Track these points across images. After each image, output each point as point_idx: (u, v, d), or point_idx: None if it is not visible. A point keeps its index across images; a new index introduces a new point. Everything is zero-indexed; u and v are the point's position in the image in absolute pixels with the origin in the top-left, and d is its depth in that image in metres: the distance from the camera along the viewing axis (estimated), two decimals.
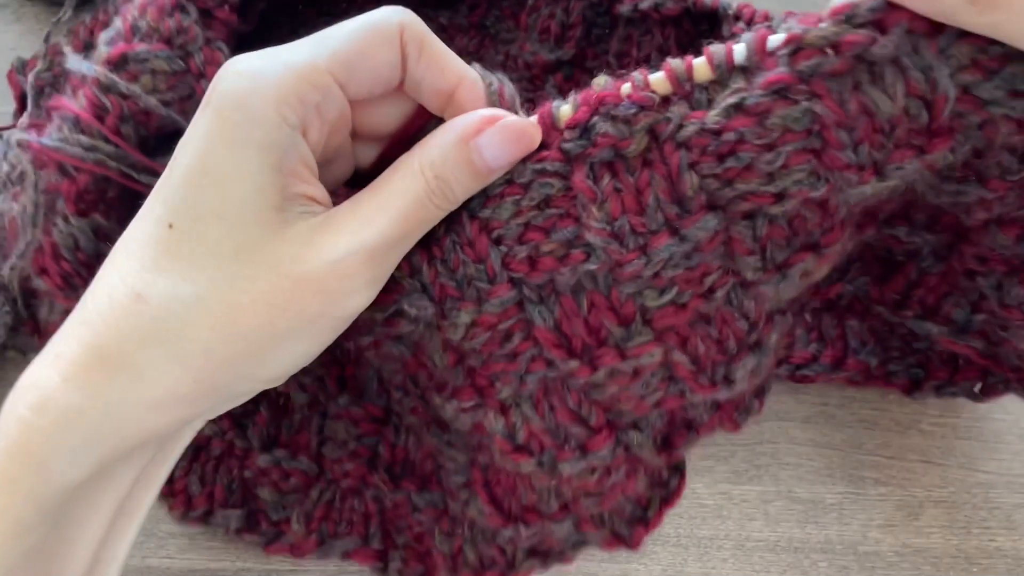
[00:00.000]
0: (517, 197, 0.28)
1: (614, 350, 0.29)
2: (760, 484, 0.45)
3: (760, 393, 0.34)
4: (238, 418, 0.39)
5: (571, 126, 0.28)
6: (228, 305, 0.26)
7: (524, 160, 0.28)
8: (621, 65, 0.48)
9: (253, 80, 0.26)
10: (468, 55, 0.49)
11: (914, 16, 0.25)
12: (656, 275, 0.28)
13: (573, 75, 0.49)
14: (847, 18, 0.25)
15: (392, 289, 0.30)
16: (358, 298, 0.28)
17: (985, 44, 0.25)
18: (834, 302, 0.44)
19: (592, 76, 0.49)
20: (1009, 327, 0.35)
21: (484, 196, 0.29)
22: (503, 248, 0.29)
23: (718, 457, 0.45)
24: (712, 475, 0.45)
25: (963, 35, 0.25)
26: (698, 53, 0.28)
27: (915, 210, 0.35)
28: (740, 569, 0.43)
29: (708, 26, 0.45)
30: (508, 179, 0.28)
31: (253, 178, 0.26)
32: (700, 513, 0.44)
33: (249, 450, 0.39)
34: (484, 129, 0.27)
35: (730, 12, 0.43)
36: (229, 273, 0.26)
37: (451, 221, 0.29)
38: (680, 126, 0.27)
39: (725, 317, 0.29)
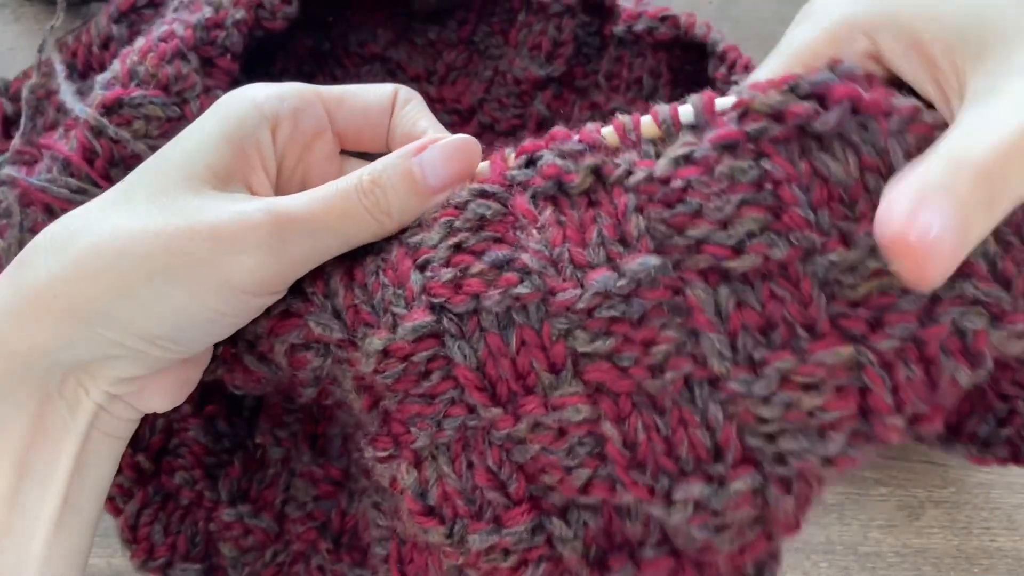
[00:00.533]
0: (450, 219, 0.28)
1: (539, 397, 0.27)
2: None
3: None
4: (211, 468, 0.38)
5: (519, 155, 0.28)
6: (117, 227, 0.27)
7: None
8: (611, 86, 0.49)
9: (254, 87, 0.30)
10: (456, 70, 0.50)
11: (861, 96, 0.25)
12: (590, 314, 0.26)
13: (562, 93, 0.49)
14: (791, 88, 0.26)
15: (298, 311, 0.29)
16: (249, 260, 0.26)
17: (933, 133, 0.25)
18: None
19: (580, 94, 0.49)
20: None
21: (418, 226, 0.28)
22: (428, 274, 0.28)
23: None
24: None
25: (914, 121, 0.25)
26: (686, 83, 0.28)
27: None
28: None
29: (698, 55, 0.45)
30: (444, 204, 0.28)
31: (203, 138, 0.28)
32: None
33: (217, 503, 0.38)
34: (427, 147, 0.28)
35: (717, 50, 0.43)
36: (136, 206, 0.27)
37: (380, 249, 0.29)
38: (629, 172, 0.27)
39: (684, 416, 0.26)
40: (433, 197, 0.28)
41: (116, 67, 0.35)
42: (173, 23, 0.36)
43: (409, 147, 0.29)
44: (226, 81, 0.37)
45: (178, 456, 0.38)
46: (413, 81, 0.50)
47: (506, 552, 0.28)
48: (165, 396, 0.31)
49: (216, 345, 0.31)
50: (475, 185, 0.28)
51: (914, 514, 0.44)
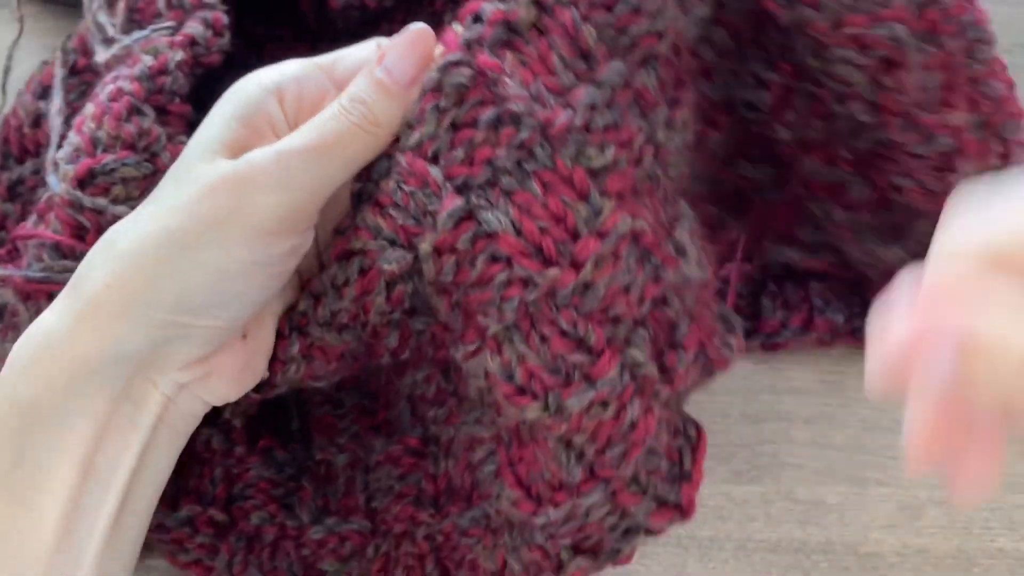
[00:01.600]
0: (434, 103, 0.29)
1: (589, 234, 0.29)
2: (761, 485, 0.45)
3: (728, 331, 0.35)
4: (284, 499, 0.39)
5: (464, 15, 0.30)
6: (151, 216, 0.29)
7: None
8: None
9: (255, 72, 0.31)
10: None
11: None
12: (588, 128, 0.28)
13: None
14: None
15: (370, 264, 0.30)
16: (267, 198, 0.28)
17: None
18: (790, 268, 0.46)
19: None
20: (842, 243, 0.39)
21: (410, 128, 0.30)
22: (443, 163, 0.29)
23: (719, 458, 0.45)
24: (713, 476, 0.45)
25: None
26: None
27: (750, 146, 0.38)
28: (741, 570, 0.43)
29: None
30: (423, 91, 0.29)
31: (215, 124, 0.30)
32: (701, 514, 0.44)
33: (301, 527, 0.38)
34: (385, 52, 0.30)
35: None
36: (163, 196, 0.30)
37: (388, 170, 0.30)
38: None
39: (650, 191, 0.30)
40: (408, 92, 0.30)
41: (74, 139, 0.35)
42: (116, 81, 0.36)
43: (370, 61, 0.31)
44: (183, 125, 0.37)
45: (248, 499, 0.38)
46: None
47: (604, 404, 0.30)
48: (231, 382, 0.32)
49: (287, 346, 0.33)
50: (439, 62, 0.29)
51: (915, 514, 0.44)
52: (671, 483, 0.34)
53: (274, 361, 0.33)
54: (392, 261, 0.30)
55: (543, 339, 0.29)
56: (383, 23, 0.48)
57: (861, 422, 0.46)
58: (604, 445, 0.31)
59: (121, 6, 0.40)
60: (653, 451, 0.33)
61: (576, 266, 0.28)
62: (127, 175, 0.34)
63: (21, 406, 0.28)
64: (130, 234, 0.29)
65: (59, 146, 0.37)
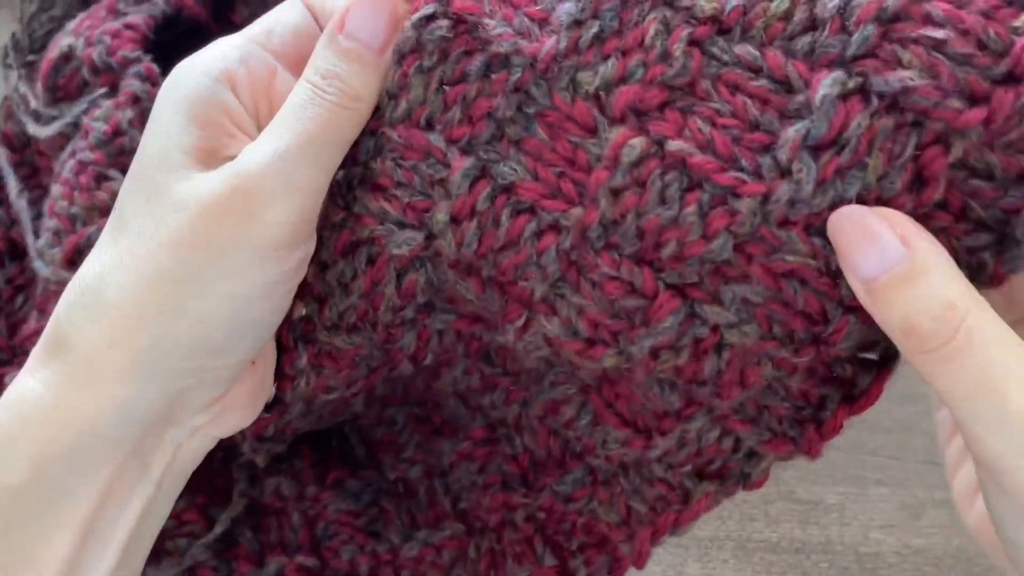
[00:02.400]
0: (417, 63, 0.27)
1: (598, 166, 0.25)
2: None
3: None
4: (368, 526, 0.37)
5: None
6: (136, 255, 0.25)
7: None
8: None
9: (187, 61, 0.28)
10: None
11: None
12: (577, 50, 0.25)
13: None
14: None
15: (378, 252, 0.28)
16: (275, 211, 0.25)
17: None
18: None
19: None
20: None
21: (393, 97, 0.27)
22: (439, 127, 0.27)
23: None
24: None
25: None
26: None
27: None
28: (741, 570, 0.43)
29: None
30: (401, 54, 0.27)
31: (168, 132, 0.26)
32: None
33: (394, 548, 0.37)
34: (346, 17, 0.27)
35: None
36: (138, 225, 0.26)
37: (380, 148, 0.28)
38: None
39: (729, 81, 0.25)
40: (383, 57, 0.27)
41: (51, 223, 0.33)
42: (75, 155, 0.35)
43: (328, 28, 0.27)
44: None
45: (333, 536, 0.37)
46: None
47: (675, 349, 0.27)
48: (244, 411, 0.30)
49: (295, 358, 0.30)
50: (412, 19, 0.27)
51: (915, 514, 0.44)
52: (794, 423, 0.29)
53: (282, 378, 0.31)
54: (403, 244, 0.27)
55: (594, 285, 0.27)
56: None
57: (861, 422, 0.45)
58: (690, 381, 0.28)
59: (38, 85, 0.39)
60: (773, 391, 0.28)
61: (595, 205, 0.26)
62: None
63: (12, 488, 0.25)
64: (116, 281, 0.26)
65: (34, 231, 0.36)
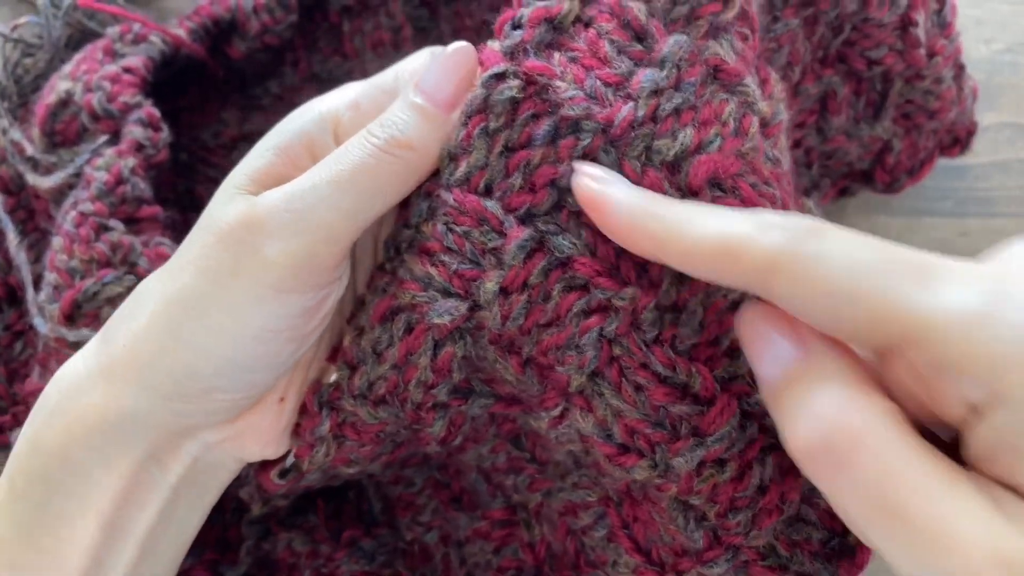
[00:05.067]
0: (483, 125, 0.25)
1: None
2: None
3: None
4: None
5: (501, 26, 0.26)
6: (170, 269, 0.26)
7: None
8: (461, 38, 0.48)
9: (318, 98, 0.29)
10: None
11: None
12: (654, 118, 0.24)
13: None
14: None
15: (417, 321, 0.26)
16: (276, 247, 0.25)
17: None
18: None
19: None
20: (843, 155, 0.40)
21: (453, 161, 0.26)
22: (497, 194, 0.25)
23: None
24: None
25: None
26: None
27: None
28: None
29: None
30: (467, 115, 0.26)
31: (251, 155, 0.27)
32: None
33: None
34: (422, 73, 0.27)
35: None
36: (189, 239, 0.27)
37: (434, 211, 0.26)
38: None
39: (773, 177, 0.25)
40: (448, 115, 0.26)
41: (51, 278, 0.33)
42: (76, 206, 0.34)
43: (405, 86, 0.27)
44: (158, 228, 0.35)
45: None
46: None
47: (721, 463, 0.25)
48: (268, 444, 0.29)
49: (315, 424, 0.29)
50: (482, 77, 0.26)
51: None
52: (826, 559, 0.26)
53: (300, 443, 0.29)
54: (444, 313, 0.26)
55: (638, 388, 0.25)
56: (286, 53, 0.47)
57: None
58: (726, 509, 0.25)
59: (35, 130, 0.39)
60: (803, 518, 0.26)
61: (655, 284, 0.24)
62: (111, 293, 0.32)
63: (44, 453, 0.26)
64: (155, 292, 0.26)
65: (35, 284, 0.36)
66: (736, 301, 0.24)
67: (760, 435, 0.25)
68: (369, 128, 0.26)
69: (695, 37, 0.25)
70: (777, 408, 0.22)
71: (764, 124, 0.26)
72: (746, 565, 0.26)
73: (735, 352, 0.24)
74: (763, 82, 0.28)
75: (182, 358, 0.26)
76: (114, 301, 0.32)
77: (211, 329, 0.25)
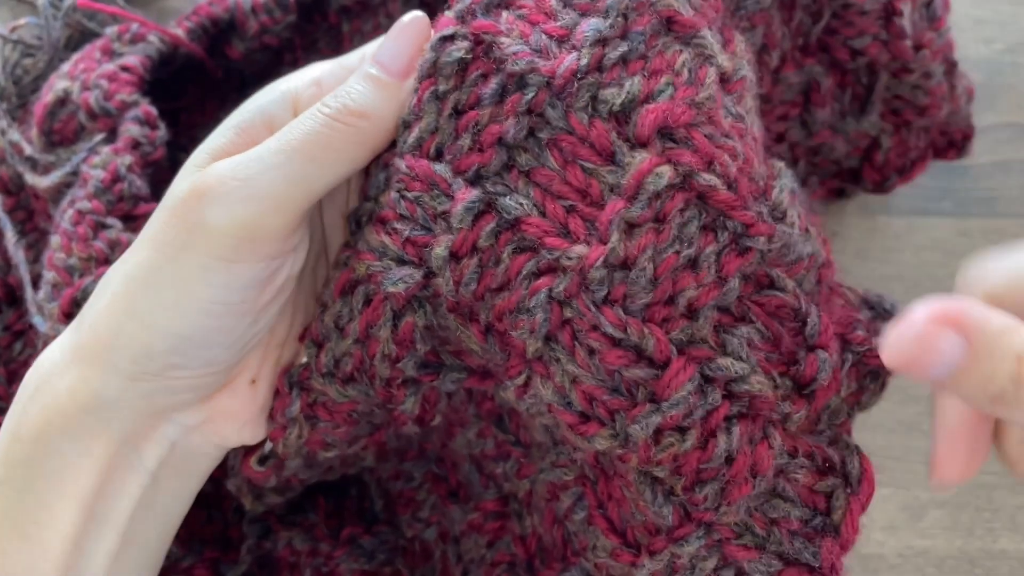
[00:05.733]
0: (432, 88, 0.25)
1: (614, 197, 0.23)
2: None
3: (877, 318, 0.27)
4: None
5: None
6: (133, 248, 0.27)
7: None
8: None
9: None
10: None
11: None
12: (599, 67, 0.24)
13: None
14: None
15: (373, 292, 0.26)
16: (219, 214, 0.25)
17: None
18: None
19: None
20: (830, 151, 0.39)
21: (407, 127, 0.26)
22: (448, 157, 0.25)
23: None
24: None
25: None
26: None
27: None
28: None
29: None
30: (418, 80, 0.26)
31: (213, 133, 0.28)
32: None
33: None
34: (378, 47, 0.27)
35: None
36: (146, 224, 0.27)
37: (388, 179, 0.26)
38: None
39: (733, 130, 0.24)
40: (402, 82, 0.26)
41: (49, 276, 0.33)
42: (73, 204, 0.34)
43: (364, 58, 0.28)
44: None
45: None
46: None
47: (681, 431, 0.23)
48: (244, 427, 0.29)
49: (287, 404, 0.29)
50: (431, 40, 0.26)
51: (916, 516, 0.45)
52: (807, 539, 0.25)
53: (273, 425, 0.29)
54: (399, 281, 0.25)
55: (591, 352, 0.23)
56: (285, 53, 0.46)
57: (862, 423, 0.46)
58: (692, 481, 0.24)
59: (34, 130, 0.39)
60: (780, 494, 0.25)
61: (602, 240, 0.23)
62: None
63: (23, 439, 0.26)
64: (117, 271, 0.26)
65: (34, 283, 0.36)
66: (691, 258, 0.23)
67: (724, 401, 0.23)
68: (323, 100, 0.26)
69: None
70: (963, 389, 0.21)
71: (725, 79, 0.25)
72: (720, 544, 0.25)
73: (694, 312, 0.23)
74: (727, 42, 0.27)
75: (138, 336, 0.26)
76: None
77: (163, 304, 0.25)
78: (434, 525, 0.36)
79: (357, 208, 0.27)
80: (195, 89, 0.45)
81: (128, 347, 0.26)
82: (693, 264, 0.23)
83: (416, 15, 0.27)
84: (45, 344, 0.33)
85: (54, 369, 0.27)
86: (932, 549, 0.44)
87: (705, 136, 0.23)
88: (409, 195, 0.25)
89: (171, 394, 0.27)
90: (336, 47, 0.48)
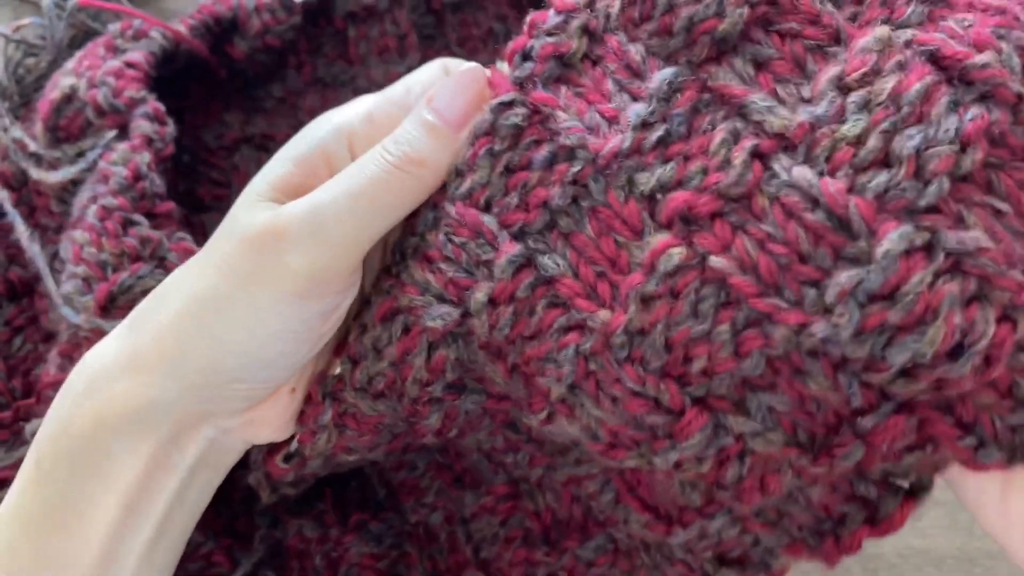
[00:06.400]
0: (488, 146, 0.27)
1: (637, 272, 0.25)
2: None
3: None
4: (390, 569, 0.37)
5: (512, 55, 0.28)
6: (194, 271, 0.28)
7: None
8: (469, 48, 0.49)
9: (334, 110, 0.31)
10: (319, 111, 0.49)
11: None
12: (640, 151, 0.25)
13: None
14: None
15: (412, 323, 0.28)
16: (298, 258, 0.26)
17: None
18: None
19: None
20: None
21: (459, 176, 0.28)
22: (495, 210, 0.27)
23: None
24: None
25: None
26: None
27: None
28: None
29: None
30: (475, 136, 0.27)
31: (270, 165, 0.29)
32: None
33: None
34: (434, 92, 0.28)
35: None
36: (210, 242, 0.28)
37: (437, 221, 0.28)
38: (608, 15, 0.27)
39: (784, 204, 0.23)
40: (458, 134, 0.28)
41: (79, 270, 0.33)
42: (97, 200, 0.34)
43: (419, 101, 0.29)
44: (174, 223, 0.35)
45: None
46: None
47: (698, 459, 0.26)
48: (276, 430, 0.31)
49: (319, 413, 0.31)
50: (491, 103, 0.27)
51: (915, 515, 0.45)
52: (813, 533, 0.28)
53: (304, 430, 0.31)
54: (437, 318, 0.27)
55: (615, 400, 0.26)
56: (289, 56, 0.47)
57: None
58: (712, 485, 0.27)
59: (39, 126, 0.39)
60: (793, 499, 0.28)
61: (624, 307, 0.25)
62: (146, 287, 0.32)
63: (72, 435, 0.28)
64: (181, 290, 0.28)
65: (52, 275, 0.36)
66: (706, 332, 0.24)
67: (736, 443, 0.25)
68: (384, 144, 0.27)
69: (692, 62, 0.25)
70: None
71: (783, 137, 0.24)
72: (742, 519, 0.29)
73: (712, 373, 0.25)
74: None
75: (207, 353, 0.27)
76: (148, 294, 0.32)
77: (235, 328, 0.27)
78: (440, 510, 0.38)
79: (403, 240, 0.29)
80: (199, 89, 0.46)
81: (197, 361, 0.27)
82: (707, 339, 0.24)
83: (474, 67, 0.28)
84: (73, 336, 0.34)
85: (107, 371, 0.28)
86: (931, 549, 0.44)
87: (730, 224, 0.24)
88: (456, 239, 0.27)
89: (225, 403, 0.29)
90: (342, 52, 0.48)
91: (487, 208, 0.27)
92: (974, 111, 0.22)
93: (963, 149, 0.22)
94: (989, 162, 0.23)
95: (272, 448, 0.33)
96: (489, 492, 0.36)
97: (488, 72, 0.28)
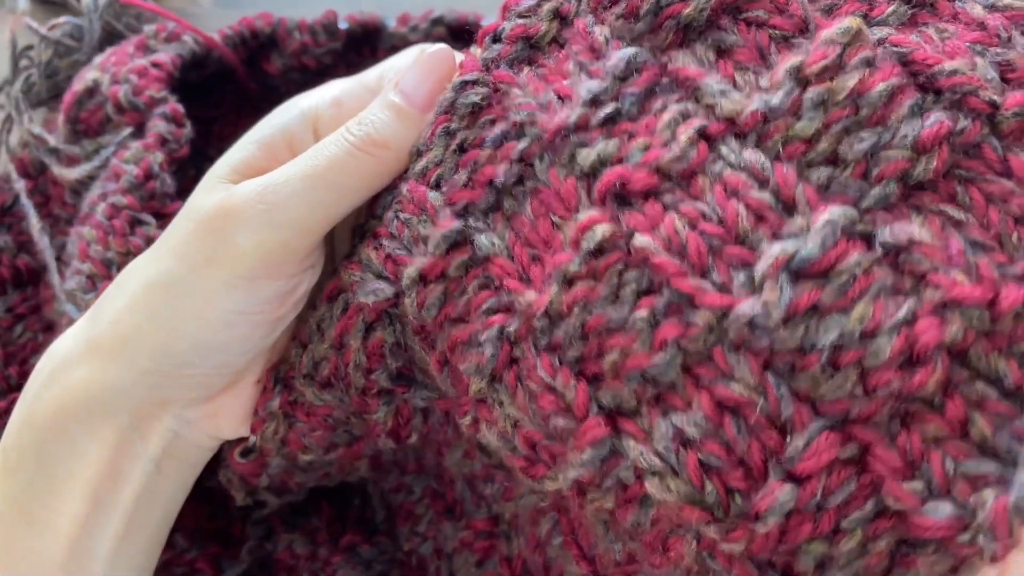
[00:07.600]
0: (445, 124, 0.26)
1: (566, 247, 0.23)
2: None
3: None
4: None
5: (481, 40, 0.27)
6: (154, 255, 0.28)
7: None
8: None
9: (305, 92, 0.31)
10: None
11: None
12: (584, 127, 0.24)
13: None
14: None
15: (352, 300, 0.27)
16: (247, 237, 0.26)
17: None
18: None
19: None
20: None
21: (419, 155, 0.27)
22: (444, 188, 0.26)
23: None
24: None
25: None
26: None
27: None
28: None
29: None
30: (435, 115, 0.27)
31: (234, 147, 0.28)
32: None
33: None
34: (403, 75, 0.28)
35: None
36: (172, 226, 0.28)
37: (393, 199, 0.27)
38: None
39: (727, 183, 0.22)
40: (422, 115, 0.27)
41: (85, 267, 0.33)
42: (106, 197, 0.34)
43: (386, 85, 0.28)
44: None
45: None
46: None
47: (598, 486, 0.22)
48: (240, 424, 0.30)
49: (268, 399, 0.30)
50: (454, 81, 0.27)
51: None
52: None
53: (255, 417, 0.30)
54: (370, 293, 0.26)
55: (531, 395, 0.23)
56: (325, 79, 0.47)
57: None
58: (625, 533, 0.23)
59: (60, 119, 0.39)
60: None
61: (546, 291, 0.23)
62: None
63: (36, 426, 0.27)
64: (139, 275, 0.28)
65: (58, 267, 0.36)
66: (622, 320, 0.22)
67: (636, 481, 0.22)
68: (347, 126, 0.27)
69: (655, 45, 0.25)
70: None
71: (732, 123, 0.22)
72: None
73: (622, 372, 0.22)
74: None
75: (159, 337, 0.27)
76: None
77: (185, 312, 0.27)
78: (430, 540, 0.36)
79: (363, 223, 0.29)
80: (232, 100, 0.46)
81: (148, 346, 0.27)
82: (623, 326, 0.22)
83: (441, 48, 0.28)
84: None
85: (68, 359, 0.28)
86: None
87: (662, 203, 0.22)
88: (402, 216, 0.26)
89: (180, 390, 0.28)
90: None
91: (437, 186, 0.26)
92: (936, 117, 0.21)
93: (918, 155, 0.21)
94: (959, 174, 0.22)
95: (235, 443, 0.32)
96: (469, 526, 0.34)
97: (460, 55, 0.28)
